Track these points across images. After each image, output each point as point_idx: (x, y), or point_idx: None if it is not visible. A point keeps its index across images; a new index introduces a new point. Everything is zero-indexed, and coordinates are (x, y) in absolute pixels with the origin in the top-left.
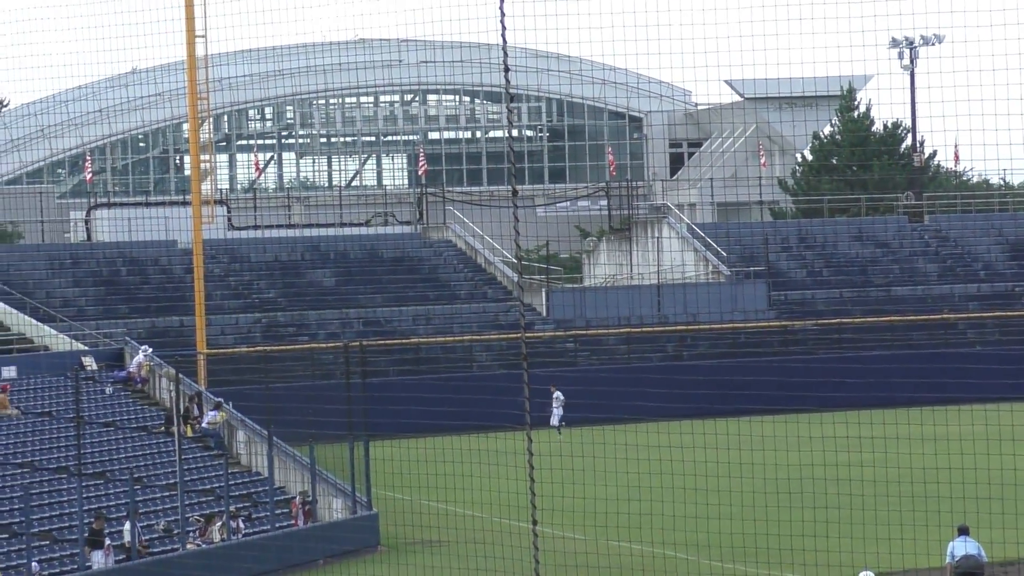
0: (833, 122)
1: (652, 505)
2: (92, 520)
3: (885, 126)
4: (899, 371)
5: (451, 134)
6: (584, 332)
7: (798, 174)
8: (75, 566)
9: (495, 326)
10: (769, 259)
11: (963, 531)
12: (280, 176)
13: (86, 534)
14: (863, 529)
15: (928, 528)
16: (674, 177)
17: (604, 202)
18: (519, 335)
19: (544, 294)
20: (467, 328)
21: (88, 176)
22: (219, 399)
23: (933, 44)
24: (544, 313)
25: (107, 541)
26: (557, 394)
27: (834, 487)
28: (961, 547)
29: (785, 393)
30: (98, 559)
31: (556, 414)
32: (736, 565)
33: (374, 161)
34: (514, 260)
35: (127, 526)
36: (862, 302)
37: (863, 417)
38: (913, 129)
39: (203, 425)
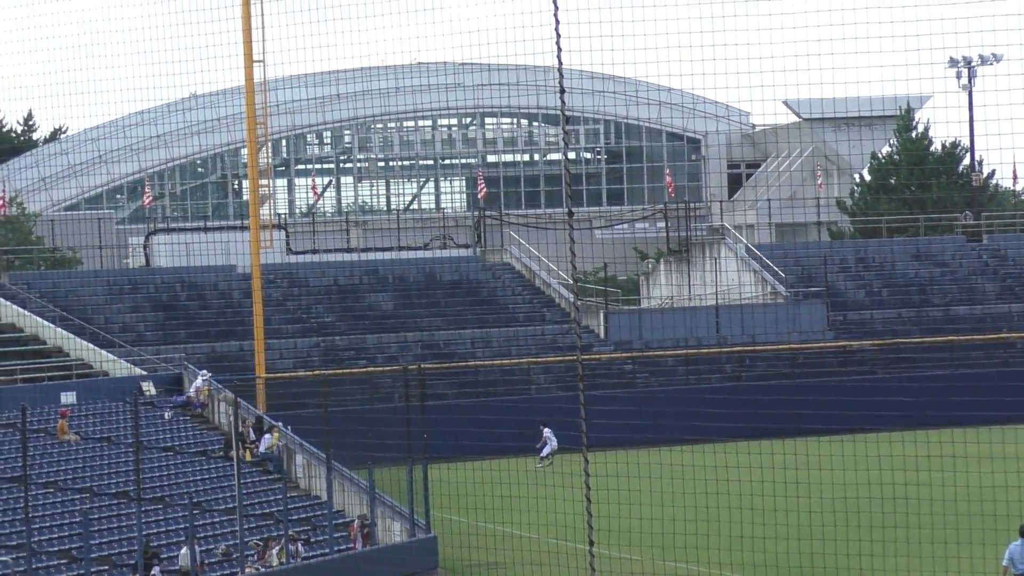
0: (891, 142)
1: (710, 526)
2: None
3: (943, 145)
4: (958, 390)
5: (509, 157)
6: (642, 353)
7: (856, 194)
8: None
9: (553, 348)
10: (827, 279)
11: (1023, 532)
12: (338, 200)
13: (142, 560)
14: (920, 548)
15: (985, 547)
16: (732, 198)
17: (662, 224)
18: (576, 357)
19: (602, 316)
20: (525, 351)
21: (147, 200)
22: (273, 422)
23: (991, 63)
24: (602, 335)
25: (155, 569)
26: (548, 432)
27: (891, 506)
28: (1018, 549)
29: (844, 413)
30: None
31: (549, 447)
32: None
33: (432, 184)
34: (571, 282)
35: (184, 551)
36: (921, 322)
37: (921, 436)
38: (971, 148)
39: (261, 449)
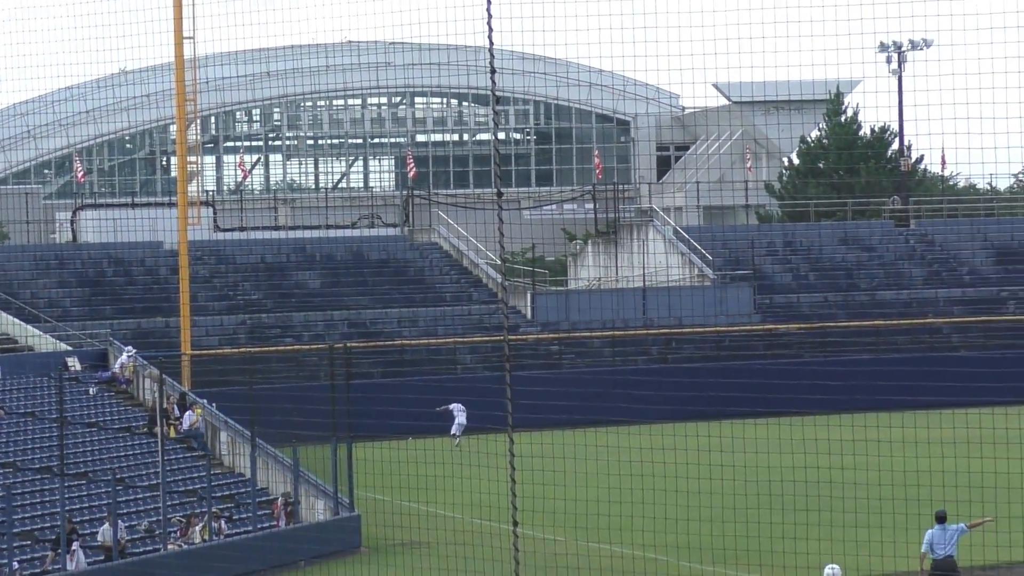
0: (820, 126)
1: (634, 507)
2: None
3: (872, 130)
4: (884, 375)
5: (438, 136)
6: (569, 335)
7: (784, 178)
8: (58, 566)
9: (480, 328)
10: (755, 263)
11: (941, 518)
12: (267, 178)
13: (64, 535)
14: (843, 532)
15: (908, 531)
16: (661, 180)
17: (590, 205)
18: (502, 337)
19: (529, 297)
20: (452, 330)
21: (80, 176)
22: (196, 398)
23: (921, 48)
24: (529, 316)
25: (75, 544)
26: (455, 407)
27: (816, 490)
28: (938, 535)
29: (770, 396)
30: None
31: (457, 423)
32: (716, 568)
33: (361, 163)
34: (499, 263)
35: (105, 526)
36: (847, 306)
37: (846, 420)
38: (900, 133)
39: (184, 426)
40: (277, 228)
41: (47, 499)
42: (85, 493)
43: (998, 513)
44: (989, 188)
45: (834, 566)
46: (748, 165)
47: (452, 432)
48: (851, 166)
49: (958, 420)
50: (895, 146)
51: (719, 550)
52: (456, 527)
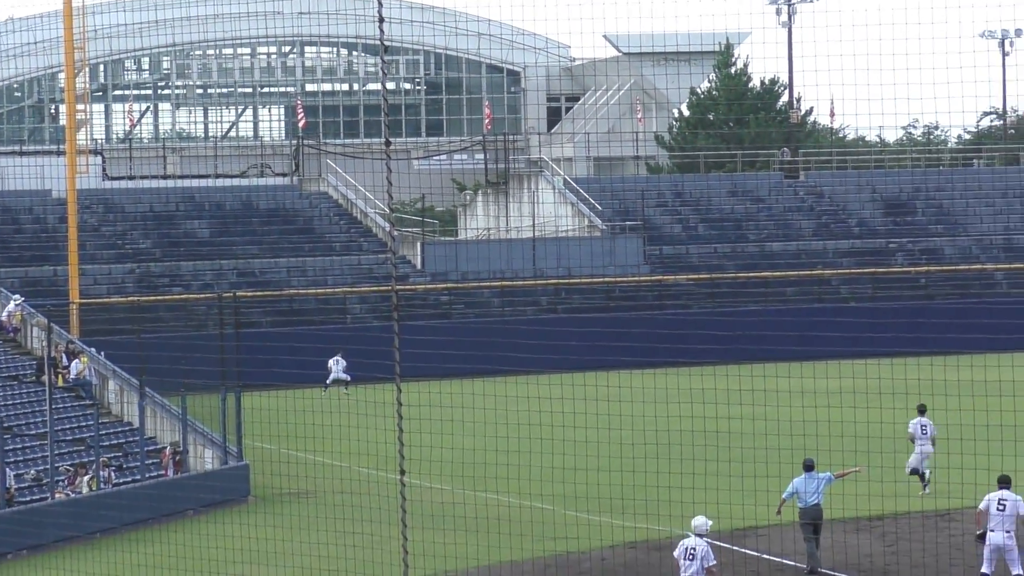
0: (710, 78)
1: (522, 457)
2: None
3: (762, 82)
4: (773, 326)
5: (328, 86)
6: (458, 285)
7: (674, 129)
8: None
9: (370, 278)
10: (645, 214)
11: (808, 466)
12: (156, 127)
13: None
14: (730, 481)
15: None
16: (551, 131)
17: (480, 156)
18: (391, 287)
19: (419, 247)
20: (341, 280)
21: None
22: (83, 346)
23: (810, 1)
24: (419, 266)
25: None
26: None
27: (704, 439)
28: (804, 483)
29: (659, 346)
30: None
31: (333, 375)
32: (603, 517)
33: (251, 113)
34: (389, 212)
35: None
36: (737, 257)
37: (734, 371)
38: (790, 86)
39: (72, 375)
40: (166, 177)
41: None
42: None
43: (883, 464)
44: (878, 140)
45: (701, 517)
46: (638, 116)
47: (329, 381)
48: (741, 118)
49: (845, 371)
50: (785, 98)
51: (606, 499)
52: (344, 476)
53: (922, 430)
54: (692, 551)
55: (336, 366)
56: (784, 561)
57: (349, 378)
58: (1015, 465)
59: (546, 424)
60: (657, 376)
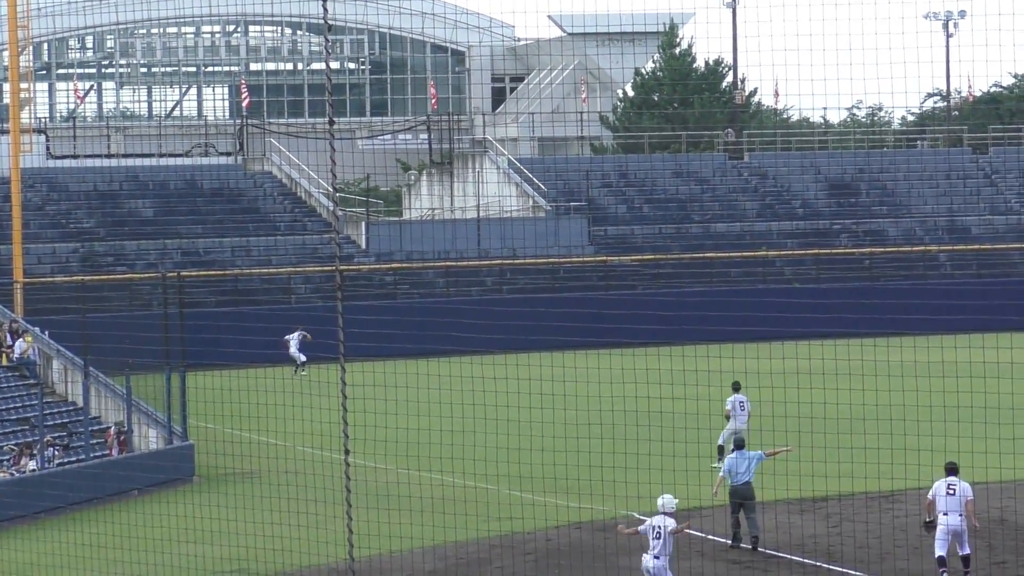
0: (655, 58)
1: (466, 437)
2: None
3: (707, 63)
4: (717, 307)
5: (272, 65)
6: (403, 265)
7: (619, 110)
8: None
9: (315, 258)
10: (589, 194)
11: (739, 445)
12: (100, 105)
13: None
14: (673, 461)
15: None
16: (495, 111)
17: (425, 136)
18: (335, 267)
19: (363, 227)
20: (286, 260)
21: None
22: (27, 325)
23: None
24: (363, 246)
25: None
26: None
27: (646, 419)
28: (736, 461)
29: (603, 326)
30: None
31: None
32: (547, 497)
33: (195, 92)
34: (333, 192)
35: None
36: (681, 238)
37: (677, 351)
38: (735, 66)
39: (16, 354)
40: (110, 156)
41: None
42: None
43: (827, 444)
44: (822, 121)
45: (668, 496)
46: (583, 97)
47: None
48: (685, 98)
49: (788, 351)
50: (729, 79)
51: (551, 479)
52: (289, 456)
53: (740, 406)
54: (659, 529)
55: (294, 344)
56: (729, 542)
57: (304, 359)
58: (958, 446)
59: (491, 404)
60: (602, 356)
